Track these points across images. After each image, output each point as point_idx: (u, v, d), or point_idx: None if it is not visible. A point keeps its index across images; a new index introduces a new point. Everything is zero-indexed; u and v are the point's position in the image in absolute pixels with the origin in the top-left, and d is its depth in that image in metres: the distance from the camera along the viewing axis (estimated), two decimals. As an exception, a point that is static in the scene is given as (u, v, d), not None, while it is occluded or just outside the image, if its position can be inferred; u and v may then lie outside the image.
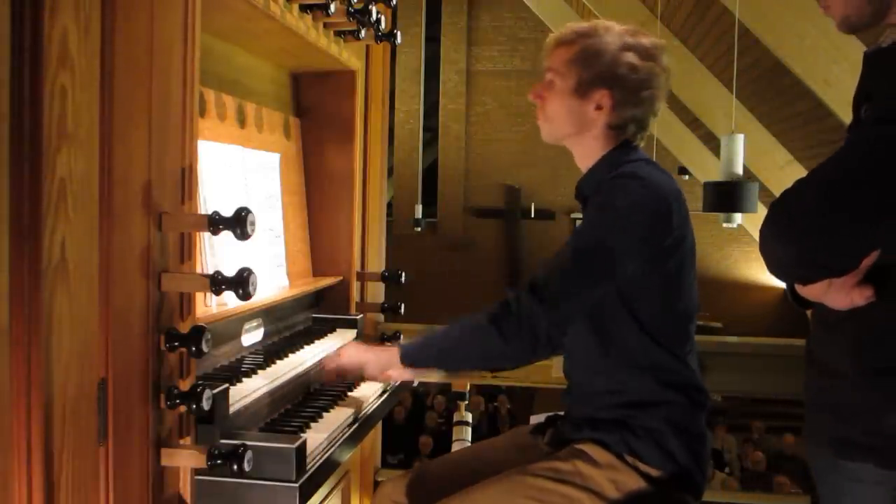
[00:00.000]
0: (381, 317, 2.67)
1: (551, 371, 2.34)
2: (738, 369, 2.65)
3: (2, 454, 0.94)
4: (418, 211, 12.27)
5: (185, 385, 1.23)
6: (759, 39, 5.43)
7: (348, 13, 1.87)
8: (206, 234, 1.43)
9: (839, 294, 1.25)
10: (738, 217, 5.66)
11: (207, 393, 1.18)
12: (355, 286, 2.32)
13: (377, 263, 2.59)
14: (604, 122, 1.63)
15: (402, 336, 2.36)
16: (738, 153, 5.04)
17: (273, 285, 1.94)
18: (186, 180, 1.24)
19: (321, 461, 1.47)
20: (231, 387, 1.47)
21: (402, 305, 2.39)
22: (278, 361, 1.77)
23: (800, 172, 6.94)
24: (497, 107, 14.03)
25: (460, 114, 14.12)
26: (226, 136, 1.81)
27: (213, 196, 1.67)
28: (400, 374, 1.72)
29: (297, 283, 2.10)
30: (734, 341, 2.95)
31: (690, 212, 1.64)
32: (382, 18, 2.05)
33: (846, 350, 1.30)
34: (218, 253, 1.64)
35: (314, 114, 2.27)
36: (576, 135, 1.67)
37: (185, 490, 1.25)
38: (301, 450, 1.35)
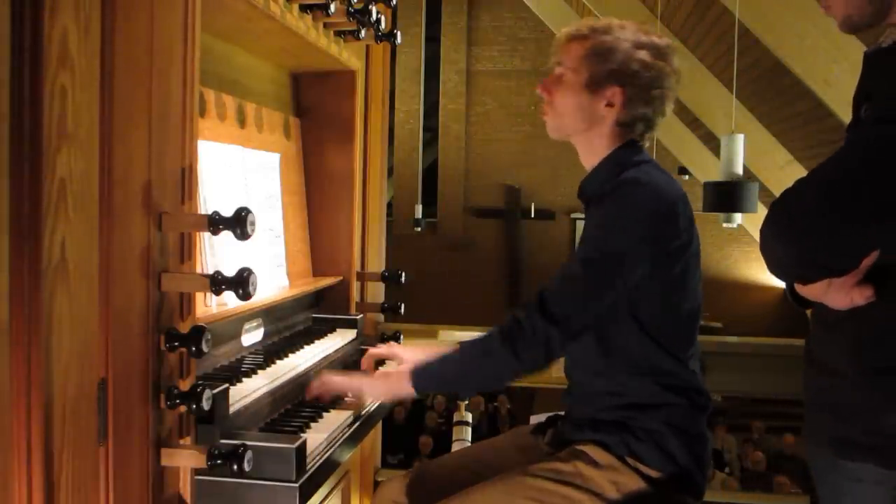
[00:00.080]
0: (381, 317, 2.67)
1: (551, 371, 2.34)
2: (738, 369, 2.65)
3: (2, 454, 0.94)
4: (418, 211, 12.26)
5: (185, 385, 1.23)
6: (759, 39, 5.43)
7: (348, 13, 1.87)
8: (206, 234, 1.43)
9: (839, 294, 1.25)
10: (738, 217, 5.66)
11: (207, 393, 1.18)
12: (355, 286, 2.32)
13: (377, 263, 2.59)
14: (613, 119, 1.63)
15: (401, 336, 2.36)
16: (738, 153, 5.04)
17: (273, 285, 1.94)
18: (186, 180, 1.24)
19: (321, 461, 1.47)
20: (231, 387, 1.47)
21: (402, 305, 2.39)
22: (278, 361, 1.77)
23: (800, 172, 6.94)
24: (497, 107, 14.03)
25: (460, 114, 14.12)
26: (226, 136, 1.81)
27: (213, 196, 1.67)
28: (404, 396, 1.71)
29: (297, 283, 2.10)
30: (734, 341, 2.95)
31: (691, 212, 1.64)
32: (382, 18, 2.05)
33: (846, 350, 1.30)
34: (218, 253, 1.64)
35: (314, 114, 2.27)
36: (584, 131, 1.67)
37: (185, 490, 1.25)
38: (301, 450, 1.35)
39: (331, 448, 1.53)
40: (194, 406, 1.18)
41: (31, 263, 0.94)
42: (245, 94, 1.94)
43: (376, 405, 1.84)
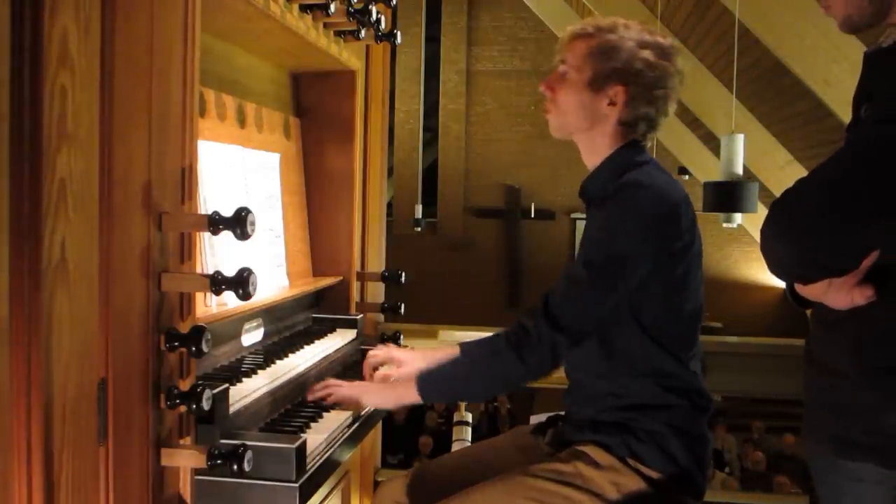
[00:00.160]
0: (381, 317, 2.67)
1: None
2: (738, 369, 2.65)
3: (2, 454, 0.94)
4: (418, 211, 12.25)
5: (185, 385, 1.23)
6: (759, 39, 5.43)
7: (348, 13, 1.87)
8: (206, 234, 1.43)
9: (839, 294, 1.25)
10: (738, 217, 5.66)
11: (207, 393, 1.18)
12: (355, 286, 2.32)
13: (377, 263, 2.59)
14: (615, 118, 1.62)
15: (401, 336, 2.36)
16: (738, 153, 5.04)
17: (273, 285, 1.94)
18: (186, 180, 1.24)
19: (321, 461, 1.47)
20: (231, 387, 1.47)
21: (402, 305, 2.39)
22: (278, 361, 1.77)
23: (800, 172, 6.94)
24: (497, 107, 14.02)
25: (460, 114, 14.11)
26: (226, 136, 1.81)
27: (213, 196, 1.67)
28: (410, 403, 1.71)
29: (297, 283, 2.10)
30: (734, 341, 2.95)
31: (691, 212, 1.64)
32: (382, 18, 2.05)
33: (846, 349, 1.30)
34: (218, 253, 1.64)
35: (314, 114, 2.27)
36: (586, 130, 1.66)
37: (185, 490, 1.25)
38: (301, 450, 1.35)
39: (331, 448, 1.53)
40: (194, 406, 1.18)
41: (31, 263, 0.94)
42: (245, 94, 1.94)
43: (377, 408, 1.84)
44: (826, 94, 5.05)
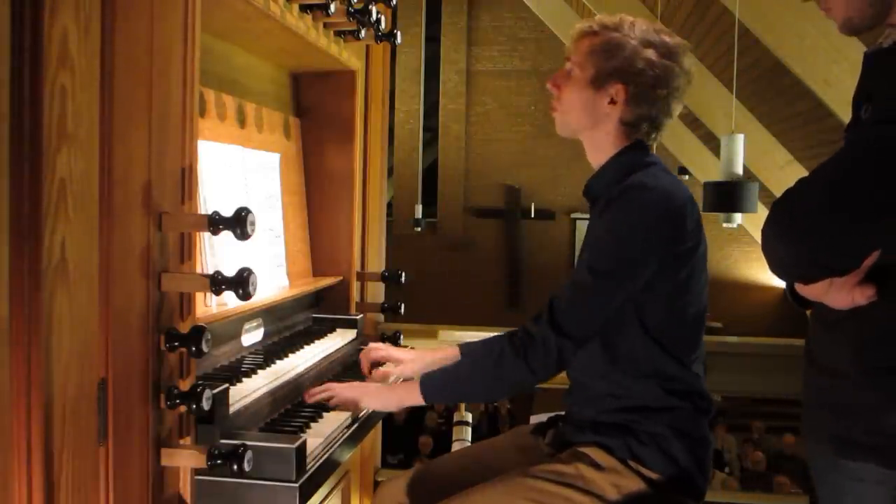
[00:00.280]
0: (381, 317, 2.67)
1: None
2: (738, 369, 2.65)
3: (2, 454, 0.94)
4: (418, 211, 12.25)
5: (185, 385, 1.23)
6: (759, 39, 5.43)
7: (348, 13, 1.87)
8: (206, 234, 1.43)
9: (840, 293, 1.25)
10: (738, 217, 5.66)
11: (207, 393, 1.18)
12: (355, 286, 2.32)
13: (377, 263, 2.59)
14: (617, 117, 1.62)
15: (401, 336, 2.35)
16: (738, 153, 5.04)
17: (273, 285, 1.94)
18: (186, 180, 1.24)
19: (321, 461, 1.46)
20: (231, 387, 1.47)
21: (402, 305, 2.39)
22: (278, 361, 1.77)
23: (800, 172, 6.95)
24: (497, 107, 14.02)
25: (460, 114, 14.11)
26: (226, 136, 1.81)
27: (213, 196, 1.67)
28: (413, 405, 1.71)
29: (297, 283, 2.10)
30: (734, 341, 2.95)
31: (692, 213, 1.63)
32: (382, 18, 2.05)
33: (847, 349, 1.30)
34: (218, 253, 1.64)
35: (314, 114, 2.27)
36: (589, 128, 1.66)
37: (185, 490, 1.25)
38: (301, 450, 1.35)
39: (331, 448, 1.53)
40: (194, 406, 1.18)
41: (31, 263, 0.94)
42: (245, 94, 1.94)
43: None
44: (826, 94, 5.05)
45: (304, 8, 1.77)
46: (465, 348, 1.81)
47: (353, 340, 2.18)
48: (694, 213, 1.57)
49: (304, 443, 1.37)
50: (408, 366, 1.81)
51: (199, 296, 1.46)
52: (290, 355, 1.83)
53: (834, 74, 4.81)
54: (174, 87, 1.21)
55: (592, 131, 1.66)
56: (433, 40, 14.10)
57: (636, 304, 1.57)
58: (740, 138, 5.09)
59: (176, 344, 1.18)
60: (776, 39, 5.22)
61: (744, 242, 12.80)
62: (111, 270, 1.07)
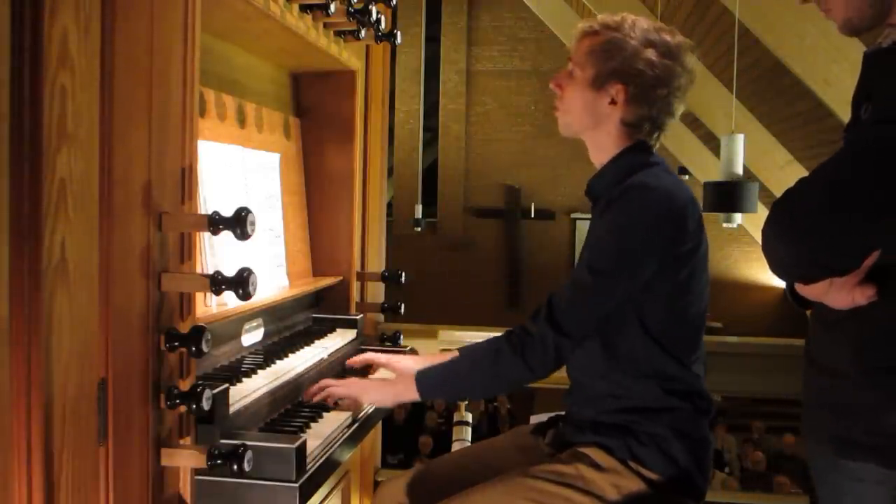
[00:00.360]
0: (381, 317, 2.67)
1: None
2: (738, 369, 2.65)
3: (2, 454, 0.94)
4: (418, 211, 12.25)
5: (185, 385, 1.23)
6: (759, 39, 5.43)
7: (348, 13, 1.87)
8: (206, 234, 1.43)
9: (840, 293, 1.25)
10: (738, 217, 5.66)
11: (207, 393, 1.18)
12: (355, 286, 2.32)
13: (377, 263, 2.59)
14: (618, 117, 1.62)
15: (401, 336, 2.36)
16: (738, 153, 5.04)
17: (273, 285, 1.94)
18: (186, 180, 1.24)
19: (321, 461, 1.46)
20: (231, 387, 1.47)
21: (402, 305, 2.39)
22: (278, 361, 1.77)
23: (800, 172, 6.95)
24: (497, 107, 14.02)
25: (460, 114, 14.11)
26: (226, 136, 1.81)
27: (213, 196, 1.67)
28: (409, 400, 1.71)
29: (297, 283, 2.10)
30: (734, 341, 2.95)
31: (692, 212, 1.63)
32: (382, 18, 2.05)
33: (847, 349, 1.30)
34: (218, 253, 1.64)
35: (314, 114, 2.27)
36: (590, 128, 1.66)
37: (185, 490, 1.25)
38: (301, 450, 1.35)
39: (331, 448, 1.53)
40: (194, 406, 1.18)
41: (31, 263, 0.94)
42: (245, 94, 1.94)
43: (376, 406, 1.84)
44: (826, 94, 5.05)
45: (304, 8, 1.77)
46: (466, 350, 1.81)
47: (353, 340, 2.18)
48: (695, 214, 1.57)
49: (304, 443, 1.37)
50: (408, 372, 1.81)
51: (199, 296, 1.46)
52: (290, 355, 1.83)
53: (834, 74, 4.81)
54: (174, 87, 1.21)
55: (594, 131, 1.66)
56: (433, 40, 14.10)
57: (637, 305, 1.56)
58: (740, 138, 5.10)
59: (176, 344, 1.18)
60: (776, 39, 5.23)
61: (744, 242, 12.80)
62: (111, 270, 1.07)
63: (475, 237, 14.13)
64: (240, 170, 1.81)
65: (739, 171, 5.04)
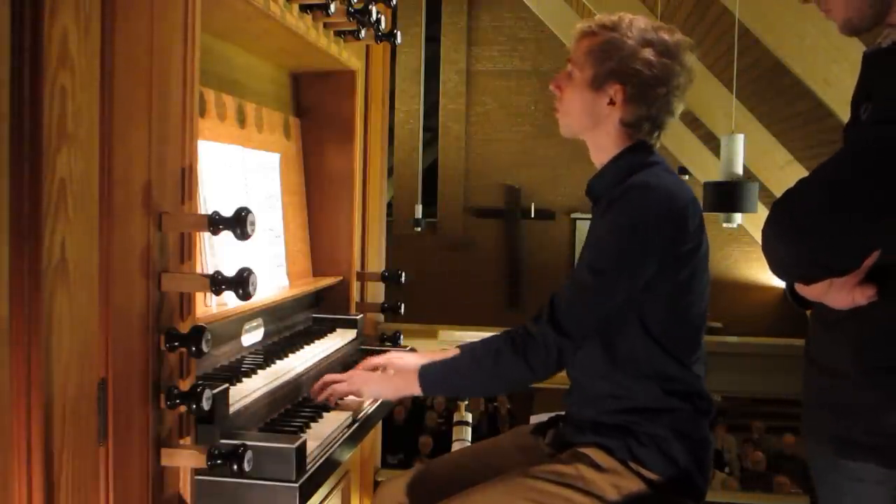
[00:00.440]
0: (381, 317, 2.67)
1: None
2: (738, 369, 2.66)
3: (2, 454, 0.94)
4: (418, 211, 12.25)
5: (185, 385, 1.23)
6: (759, 39, 5.43)
7: (348, 13, 1.87)
8: (206, 234, 1.43)
9: (840, 293, 1.25)
10: (738, 217, 5.66)
11: (207, 393, 1.18)
12: (355, 286, 2.32)
13: (377, 263, 2.59)
14: (617, 117, 1.61)
15: (401, 336, 2.36)
16: (738, 153, 5.04)
17: (273, 285, 1.94)
18: (186, 180, 1.24)
19: (321, 461, 1.46)
20: (231, 387, 1.47)
21: (402, 305, 2.39)
22: (278, 361, 1.77)
23: (800, 172, 6.95)
24: (497, 107, 14.03)
25: (460, 114, 14.11)
26: (226, 136, 1.81)
27: (213, 196, 1.67)
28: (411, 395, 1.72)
29: (297, 283, 2.10)
30: (734, 341, 2.95)
31: (692, 212, 1.63)
32: (382, 18, 2.05)
33: (847, 349, 1.30)
34: (218, 253, 1.64)
35: (314, 114, 2.27)
36: (590, 129, 1.66)
37: (185, 490, 1.25)
38: (301, 450, 1.35)
39: (331, 448, 1.53)
40: (194, 406, 1.18)
41: (31, 263, 0.94)
42: (245, 94, 1.94)
43: (376, 405, 1.84)
44: (826, 94, 5.05)
45: (304, 8, 1.77)
46: (466, 348, 1.81)
47: (353, 340, 2.18)
48: (696, 214, 1.57)
49: (304, 443, 1.37)
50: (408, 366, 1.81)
51: (199, 296, 1.46)
52: (290, 355, 1.83)
53: (834, 74, 4.81)
54: (174, 87, 1.21)
55: (594, 132, 1.66)
56: (433, 40, 14.10)
57: (637, 305, 1.56)
58: (740, 138, 5.10)
59: (176, 344, 1.18)
60: (776, 39, 5.23)
61: (744, 242, 12.80)
62: (111, 270, 1.07)
63: (475, 237, 14.13)
64: (240, 170, 1.81)
65: (739, 171, 5.04)
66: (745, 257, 13.11)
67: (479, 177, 14.13)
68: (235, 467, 1.19)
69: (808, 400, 1.41)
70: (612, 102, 1.60)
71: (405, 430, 8.32)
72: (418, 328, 2.80)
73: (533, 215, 13.85)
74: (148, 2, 1.14)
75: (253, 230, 1.21)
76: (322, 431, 1.57)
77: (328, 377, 1.74)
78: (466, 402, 2.92)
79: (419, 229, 12.44)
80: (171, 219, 1.19)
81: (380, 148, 2.54)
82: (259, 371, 1.67)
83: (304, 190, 2.26)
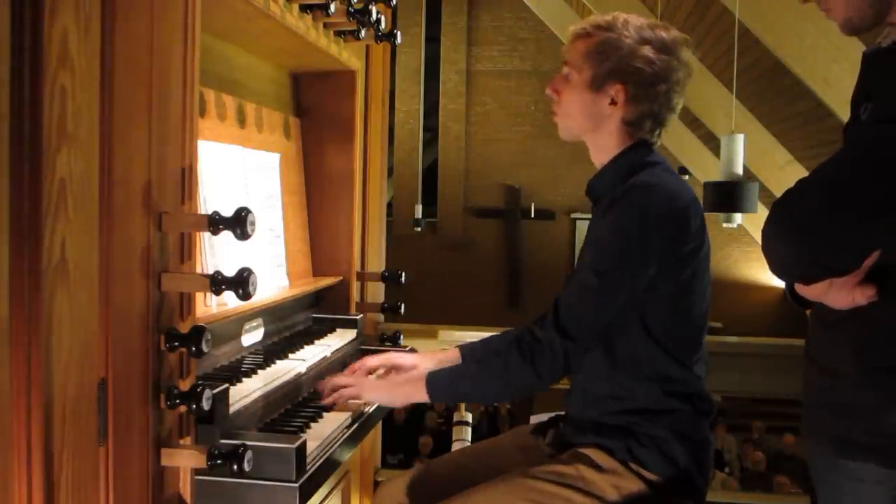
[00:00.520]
0: (381, 317, 2.67)
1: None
2: (738, 369, 2.66)
3: (2, 454, 0.94)
4: (418, 211, 12.25)
5: (185, 385, 1.23)
6: (759, 39, 5.43)
7: (348, 13, 1.87)
8: (206, 234, 1.43)
9: (840, 293, 1.25)
10: (738, 217, 5.66)
11: (207, 393, 1.18)
12: (355, 286, 2.32)
13: (377, 263, 2.59)
14: (619, 117, 1.61)
15: (401, 336, 2.36)
16: (738, 153, 5.04)
17: (273, 285, 1.94)
18: (186, 180, 1.24)
19: (321, 461, 1.46)
20: (231, 387, 1.47)
21: (402, 305, 2.39)
22: (278, 361, 1.77)
23: (800, 172, 6.95)
24: (497, 107, 14.02)
25: (460, 114, 14.11)
26: (226, 136, 1.81)
27: (213, 196, 1.67)
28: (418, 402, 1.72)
29: (297, 283, 2.10)
30: (734, 341, 2.95)
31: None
32: (382, 18, 2.05)
33: (847, 349, 1.30)
34: (218, 253, 1.64)
35: (314, 114, 2.27)
36: (591, 131, 1.65)
37: (185, 490, 1.25)
38: (301, 450, 1.35)
39: (331, 448, 1.53)
40: (194, 406, 1.18)
41: (31, 263, 0.94)
42: (245, 94, 1.94)
43: (375, 406, 1.84)
44: (826, 94, 5.05)
45: (304, 8, 1.77)
46: (471, 349, 1.81)
47: (353, 340, 2.18)
48: (698, 214, 1.57)
49: (304, 443, 1.37)
50: (415, 371, 1.81)
51: (199, 296, 1.46)
52: (291, 355, 1.83)
53: (834, 74, 4.81)
54: (174, 87, 1.21)
55: (595, 133, 1.65)
56: (433, 40, 14.09)
57: (639, 306, 1.56)
58: (740, 138, 5.10)
59: (176, 344, 1.18)
60: (776, 39, 5.23)
61: (744, 242, 12.79)
62: (111, 270, 1.07)
63: (475, 237, 14.13)
64: (240, 170, 1.81)
65: (739, 171, 5.04)
66: (745, 257, 13.10)
67: (479, 177, 14.13)
68: (235, 467, 1.19)
69: (808, 400, 1.41)
70: (613, 102, 1.60)
71: (405, 430, 8.32)
72: (418, 328, 2.80)
73: (533, 215, 13.85)
74: (148, 2, 1.14)
75: (253, 230, 1.21)
76: (322, 431, 1.57)
77: (336, 381, 1.74)
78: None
79: (419, 229, 12.44)
80: (171, 219, 1.19)
81: (380, 148, 2.54)
82: (259, 371, 1.67)
83: (304, 190, 2.26)
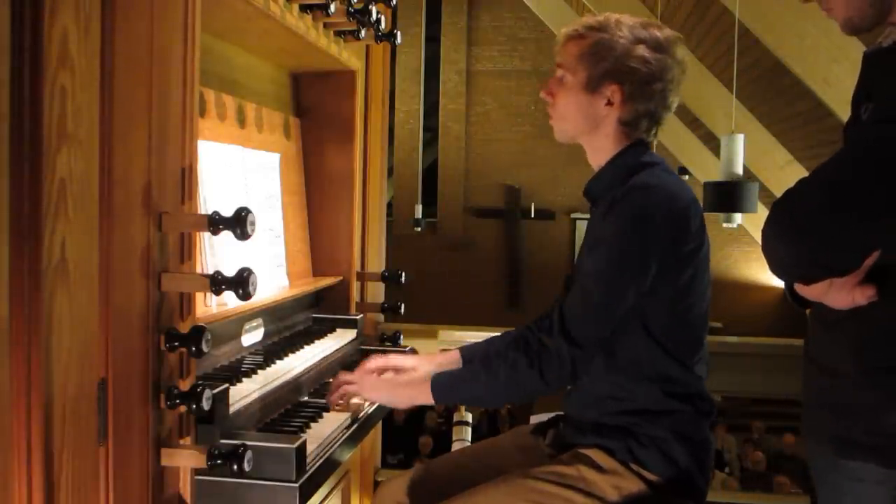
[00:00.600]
0: (381, 317, 2.67)
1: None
2: (738, 369, 2.66)
3: (2, 454, 0.94)
4: (418, 211, 12.25)
5: (185, 385, 1.23)
6: (759, 39, 5.43)
7: (348, 13, 1.87)
8: (206, 234, 1.43)
9: (840, 293, 1.25)
10: (738, 217, 5.66)
11: (207, 393, 1.18)
12: (355, 286, 2.32)
13: (377, 263, 2.59)
14: (615, 117, 1.61)
15: (401, 336, 2.36)
16: (738, 153, 5.04)
17: (273, 285, 1.94)
18: (186, 180, 1.24)
19: (321, 461, 1.47)
20: (231, 387, 1.47)
21: (402, 305, 2.39)
22: (278, 361, 1.77)
23: (800, 172, 6.95)
24: (497, 107, 14.02)
25: (460, 114, 14.11)
26: (226, 136, 1.81)
27: (213, 196, 1.67)
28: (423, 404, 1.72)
29: (297, 283, 2.10)
30: (734, 341, 2.96)
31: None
32: (382, 18, 2.05)
33: (847, 349, 1.30)
34: (218, 253, 1.64)
35: (314, 114, 2.27)
36: (588, 132, 1.65)
37: (185, 490, 1.25)
38: (301, 450, 1.35)
39: (331, 448, 1.53)
40: (194, 406, 1.18)
41: (31, 263, 0.94)
42: (245, 94, 1.94)
43: (376, 406, 1.84)
44: (826, 94, 5.05)
45: (304, 8, 1.77)
46: (467, 352, 1.81)
47: (353, 340, 2.18)
48: (697, 214, 1.57)
49: (304, 443, 1.37)
50: (418, 372, 1.81)
51: (199, 296, 1.46)
52: (290, 355, 1.83)
53: (834, 74, 4.81)
54: (174, 87, 1.21)
55: (592, 135, 1.65)
56: (433, 40, 14.09)
57: (639, 307, 1.56)
58: (740, 138, 5.09)
59: (176, 344, 1.18)
60: (776, 39, 5.22)
61: (744, 242, 12.79)
62: (111, 270, 1.07)
63: (475, 237, 14.13)
64: (240, 170, 1.81)
65: (739, 171, 5.04)
66: (745, 257, 13.11)
67: (479, 177, 14.13)
68: (235, 467, 1.19)
69: (808, 400, 1.41)
70: (609, 103, 1.60)
71: (405, 430, 8.31)
72: (418, 328, 2.80)
73: (533, 215, 13.85)
74: (148, 2, 1.14)
75: (253, 230, 1.21)
76: (322, 431, 1.57)
77: (342, 379, 1.74)
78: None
79: (419, 229, 12.44)
80: (171, 219, 1.19)
81: (380, 148, 2.54)
82: (259, 371, 1.67)
83: (304, 190, 2.26)
